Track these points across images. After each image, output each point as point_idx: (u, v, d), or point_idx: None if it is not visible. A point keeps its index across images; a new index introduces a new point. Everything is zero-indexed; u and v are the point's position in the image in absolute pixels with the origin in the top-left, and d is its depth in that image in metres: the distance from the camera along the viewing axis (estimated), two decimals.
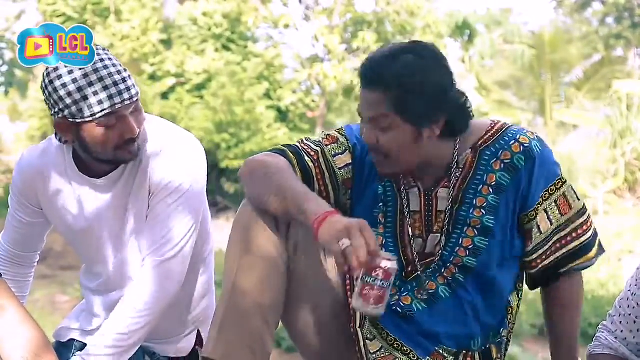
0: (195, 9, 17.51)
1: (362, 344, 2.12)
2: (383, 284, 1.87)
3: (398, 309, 2.10)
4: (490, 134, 2.10)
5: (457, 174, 2.08)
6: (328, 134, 2.18)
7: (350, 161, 2.14)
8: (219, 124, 15.83)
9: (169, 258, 2.18)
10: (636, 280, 2.13)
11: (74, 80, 2.06)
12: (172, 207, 2.18)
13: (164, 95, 16.80)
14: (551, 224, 2.09)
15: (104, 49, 2.13)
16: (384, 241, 2.12)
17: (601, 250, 2.18)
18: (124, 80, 2.09)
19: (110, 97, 2.06)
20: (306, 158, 2.12)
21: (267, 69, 17.43)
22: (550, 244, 2.10)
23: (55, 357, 1.97)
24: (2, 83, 11.62)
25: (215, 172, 16.46)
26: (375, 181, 2.13)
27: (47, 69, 2.09)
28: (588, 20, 27.01)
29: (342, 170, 2.14)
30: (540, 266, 2.12)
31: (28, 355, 1.90)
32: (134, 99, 2.11)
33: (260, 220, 2.03)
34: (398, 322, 2.11)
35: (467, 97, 2.07)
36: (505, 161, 2.06)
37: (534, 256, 2.11)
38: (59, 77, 2.07)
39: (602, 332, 2.21)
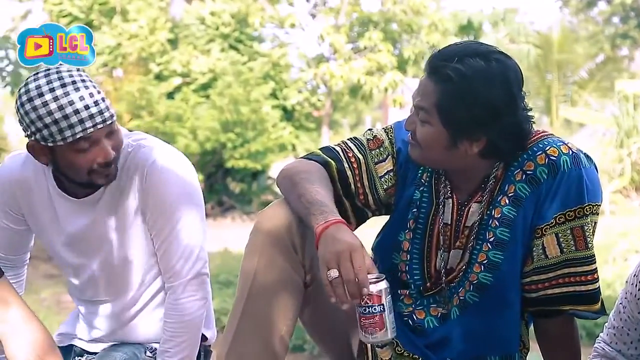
0: (203, 8, 17.52)
1: (370, 353, 2.12)
2: (376, 309, 1.80)
3: (410, 321, 2.07)
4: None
5: (489, 188, 1.99)
6: (375, 135, 2.12)
7: (392, 167, 2.10)
8: (224, 123, 15.84)
9: (192, 276, 2.18)
10: (626, 293, 2.11)
11: (44, 104, 2.00)
12: (179, 223, 2.17)
13: (170, 95, 16.81)
14: (561, 253, 1.94)
15: (78, 69, 2.08)
16: (409, 248, 2.08)
17: (603, 309, 2.03)
18: (96, 103, 2.03)
19: (81, 121, 2.00)
20: (345, 164, 2.08)
21: (273, 68, 17.44)
22: (557, 273, 1.96)
23: (61, 357, 1.96)
24: (9, 83, 11.64)
25: (221, 171, 16.45)
26: (413, 185, 2.08)
27: (19, 89, 2.05)
28: (594, 20, 26.96)
29: (384, 178, 2.09)
30: (540, 293, 1.99)
31: (33, 356, 1.89)
32: (107, 122, 2.05)
33: (276, 235, 1.99)
34: (409, 336, 2.07)
35: (527, 127, 1.95)
36: (528, 172, 1.94)
37: (534, 278, 1.98)
38: (30, 100, 2.02)
39: (599, 343, 2.20)
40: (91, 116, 2.01)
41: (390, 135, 2.13)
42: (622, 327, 2.11)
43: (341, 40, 17.05)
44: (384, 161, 2.10)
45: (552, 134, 2.02)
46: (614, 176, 13.97)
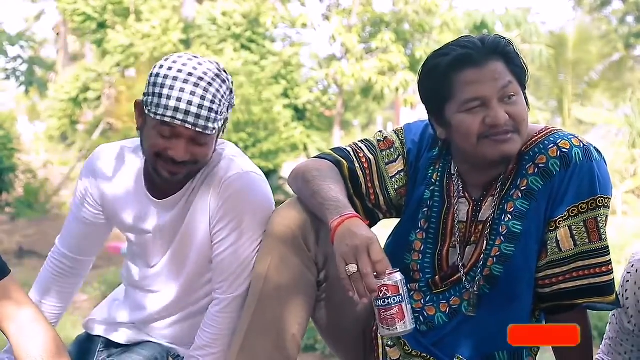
0: (214, 8, 17.54)
1: (380, 350, 2.13)
2: (395, 299, 1.83)
3: (421, 317, 2.08)
4: (535, 139, 2.00)
5: (501, 182, 2.01)
6: (386, 137, 2.15)
7: (403, 167, 2.12)
8: (236, 123, 15.85)
9: (240, 294, 2.19)
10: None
11: (165, 77, 2.05)
12: (241, 240, 2.18)
13: None
14: (575, 245, 1.95)
15: (224, 71, 2.13)
16: (422, 247, 2.09)
17: (618, 301, 2.03)
18: (200, 106, 2.03)
19: (175, 109, 2.03)
20: (356, 164, 2.11)
21: (284, 67, 17.45)
22: (571, 266, 1.96)
23: (69, 358, 1.96)
24: (23, 82, 11.69)
25: None
26: (423, 185, 2.10)
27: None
28: (607, 19, 26.83)
29: (395, 178, 2.12)
30: (555, 287, 1.99)
31: (41, 357, 1.88)
32: (197, 128, 2.04)
33: (289, 233, 2.01)
34: (417, 336, 2.08)
35: None
36: (540, 165, 1.96)
37: (548, 272, 1.99)
38: (162, 66, 2.09)
39: (598, 354, 2.20)
40: (186, 112, 2.03)
41: (401, 137, 2.14)
42: (616, 338, 2.12)
43: (353, 40, 17.03)
44: (395, 162, 2.12)
45: (561, 129, 2.04)
46: (627, 176, 13.90)
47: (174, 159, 2.08)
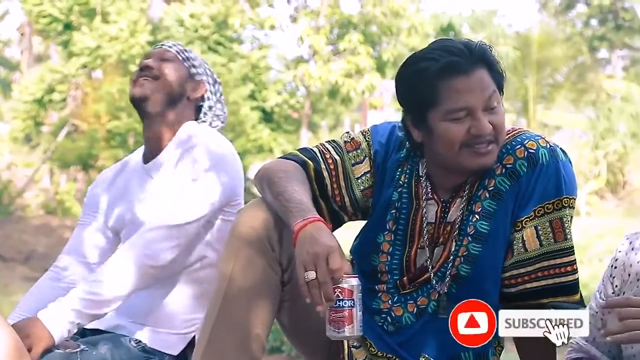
0: (182, 11, 17.46)
1: (346, 351, 2.13)
2: (346, 303, 1.82)
3: (389, 317, 2.09)
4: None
5: (469, 184, 2.02)
6: (352, 138, 2.15)
7: (369, 169, 2.12)
8: None
9: (163, 226, 2.21)
10: (603, 279, 2.14)
11: None
12: (189, 186, 2.26)
13: None
14: (541, 246, 1.97)
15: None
16: (390, 249, 2.09)
17: (582, 301, 2.04)
18: (173, 45, 2.53)
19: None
20: (322, 165, 2.10)
21: (252, 70, 17.41)
22: (536, 266, 1.98)
23: None
24: None
25: None
26: (391, 187, 2.10)
27: None
28: (572, 22, 27.14)
29: (360, 180, 2.11)
30: (520, 287, 2.00)
31: None
32: (162, 50, 2.49)
33: (254, 234, 2.00)
34: (382, 336, 2.09)
35: None
36: (507, 166, 1.97)
37: (513, 272, 2.00)
38: None
39: (573, 338, 2.21)
40: (163, 44, 2.54)
41: (368, 138, 2.15)
42: (597, 313, 2.13)
43: (320, 41, 17.06)
44: (361, 163, 2.12)
45: (528, 130, 2.06)
46: (590, 178, 14.09)
47: (140, 65, 2.46)
